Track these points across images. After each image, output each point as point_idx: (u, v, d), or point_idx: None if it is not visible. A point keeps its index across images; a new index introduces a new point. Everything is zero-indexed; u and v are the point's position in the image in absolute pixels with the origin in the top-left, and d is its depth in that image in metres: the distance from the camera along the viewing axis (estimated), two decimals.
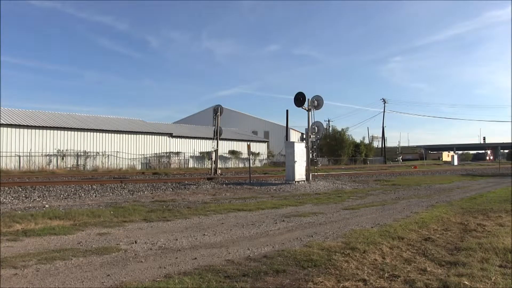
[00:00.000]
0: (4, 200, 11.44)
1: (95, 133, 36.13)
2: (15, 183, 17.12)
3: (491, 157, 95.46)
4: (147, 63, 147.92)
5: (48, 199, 12.05)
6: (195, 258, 5.29)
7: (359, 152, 69.49)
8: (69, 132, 34.53)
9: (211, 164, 23.43)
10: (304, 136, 22.41)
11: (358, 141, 71.68)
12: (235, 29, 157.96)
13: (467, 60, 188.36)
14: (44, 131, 33.00)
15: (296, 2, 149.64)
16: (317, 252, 5.55)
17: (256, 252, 5.68)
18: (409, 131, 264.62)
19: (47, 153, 32.88)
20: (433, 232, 7.28)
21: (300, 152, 19.10)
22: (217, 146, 22.99)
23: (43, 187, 15.26)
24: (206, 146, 42.93)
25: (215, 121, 23.24)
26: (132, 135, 38.96)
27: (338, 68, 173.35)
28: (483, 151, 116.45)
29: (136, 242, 6.25)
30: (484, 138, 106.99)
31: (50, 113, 38.11)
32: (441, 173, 33.70)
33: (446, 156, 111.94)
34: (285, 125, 56.19)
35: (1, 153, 30.39)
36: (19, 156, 31.36)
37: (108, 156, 36.60)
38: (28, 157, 31.67)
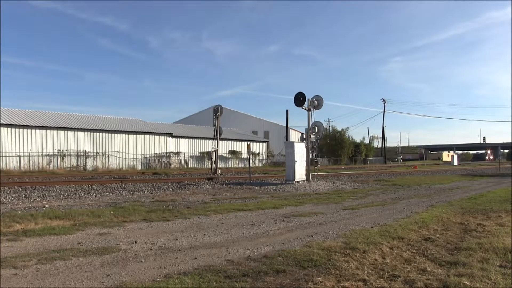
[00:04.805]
0: (4, 200, 11.44)
1: (95, 133, 36.13)
2: (15, 183, 17.11)
3: (491, 157, 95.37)
4: (147, 63, 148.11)
5: (48, 199, 12.05)
6: (195, 258, 5.29)
7: (359, 152, 69.49)
8: (69, 132, 34.53)
9: (211, 164, 23.42)
10: (304, 136, 22.41)
11: (358, 141, 71.76)
12: (235, 29, 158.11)
13: (467, 60, 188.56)
14: (44, 131, 33.00)
15: (296, 2, 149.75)
16: (317, 252, 5.54)
17: (256, 252, 5.68)
18: (409, 131, 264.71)
19: (47, 153, 32.88)
20: (433, 232, 7.28)
21: (300, 152, 19.09)
22: (217, 146, 22.98)
23: (43, 187, 15.25)
24: (206, 146, 42.91)
25: (215, 121, 23.23)
26: (132, 135, 38.95)
27: (338, 68, 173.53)
28: (483, 151, 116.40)
29: (136, 242, 6.25)
30: (484, 138, 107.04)
31: (50, 113, 38.12)
32: (441, 173, 33.69)
33: (446, 156, 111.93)
34: (285, 125, 56.17)
35: (1, 153, 30.39)
36: (19, 156, 31.36)
37: (108, 156, 36.60)
38: (28, 157, 31.67)
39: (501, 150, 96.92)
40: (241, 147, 47.87)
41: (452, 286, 4.23)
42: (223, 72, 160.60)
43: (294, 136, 62.39)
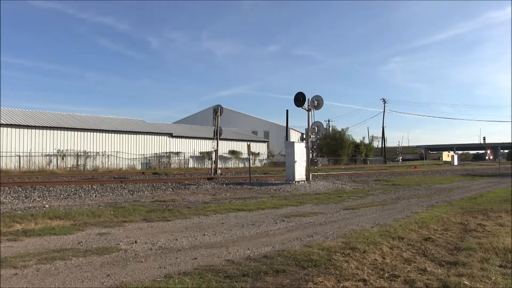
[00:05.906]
0: (4, 200, 11.44)
1: (95, 133, 36.13)
2: (15, 183, 17.11)
3: (491, 157, 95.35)
4: (148, 63, 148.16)
5: (48, 199, 12.05)
6: (195, 258, 5.29)
7: (359, 152, 69.49)
8: (69, 132, 34.53)
9: (211, 164, 23.42)
10: (304, 136, 22.41)
11: (358, 141, 71.74)
12: (235, 29, 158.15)
13: (467, 60, 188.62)
14: (44, 131, 33.00)
15: (296, 2, 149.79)
16: (317, 252, 5.54)
17: (256, 252, 5.68)
18: (409, 131, 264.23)
19: (47, 153, 32.88)
20: (433, 232, 7.28)
21: (300, 152, 19.09)
22: (217, 146, 22.97)
23: (43, 187, 15.25)
24: (206, 146, 42.93)
25: (215, 121, 23.22)
26: (132, 135, 38.95)
27: (338, 68, 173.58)
28: (483, 151, 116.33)
29: (136, 242, 6.25)
30: (484, 138, 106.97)
31: (50, 113, 38.12)
32: (441, 173, 33.68)
33: (446, 156, 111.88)
34: (285, 125, 56.17)
35: (1, 153, 30.39)
36: (19, 156, 31.36)
37: (108, 156, 36.60)
38: (28, 157, 31.67)
39: (501, 150, 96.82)
40: (241, 147, 47.87)
41: (452, 286, 4.23)
42: (223, 72, 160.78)
43: (294, 136, 62.38)
